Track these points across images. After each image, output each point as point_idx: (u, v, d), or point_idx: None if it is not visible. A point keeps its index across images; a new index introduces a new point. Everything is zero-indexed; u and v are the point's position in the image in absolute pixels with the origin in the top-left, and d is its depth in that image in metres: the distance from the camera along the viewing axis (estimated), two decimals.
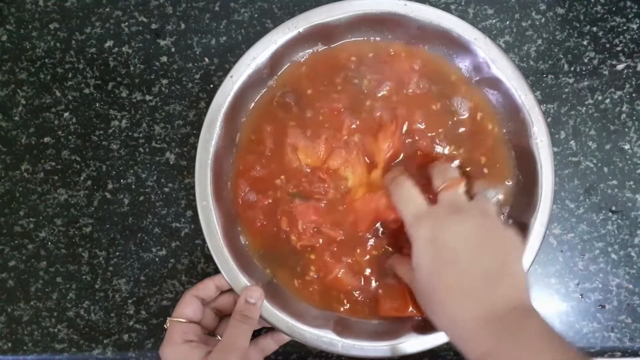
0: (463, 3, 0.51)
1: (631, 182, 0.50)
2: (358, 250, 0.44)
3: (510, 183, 0.44)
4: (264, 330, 0.47)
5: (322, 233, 0.44)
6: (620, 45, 0.51)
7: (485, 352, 0.34)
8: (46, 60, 0.52)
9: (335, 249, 0.44)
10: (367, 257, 0.44)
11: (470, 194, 0.39)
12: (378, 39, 0.46)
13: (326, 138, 0.44)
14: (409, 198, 0.38)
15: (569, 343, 0.34)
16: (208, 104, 0.44)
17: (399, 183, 0.39)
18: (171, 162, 0.51)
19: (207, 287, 0.43)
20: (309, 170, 0.44)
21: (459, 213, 0.37)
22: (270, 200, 0.45)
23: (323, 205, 0.44)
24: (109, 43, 0.52)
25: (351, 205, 0.44)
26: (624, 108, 0.50)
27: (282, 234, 0.44)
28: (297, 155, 0.44)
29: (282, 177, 0.44)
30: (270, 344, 0.46)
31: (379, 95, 0.45)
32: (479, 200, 0.39)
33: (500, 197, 0.44)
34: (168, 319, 0.42)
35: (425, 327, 0.42)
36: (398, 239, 0.43)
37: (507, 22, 0.51)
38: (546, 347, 0.33)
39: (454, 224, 0.36)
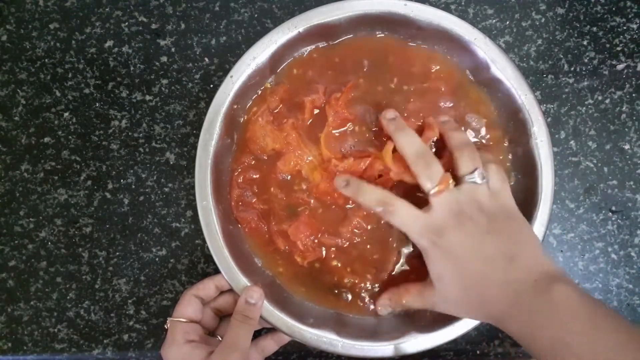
0: (463, 3, 0.51)
1: (631, 182, 0.50)
2: (368, 246, 0.44)
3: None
4: (264, 330, 0.47)
5: (323, 243, 0.44)
6: (620, 45, 0.51)
7: (520, 329, 0.35)
8: (46, 60, 0.52)
9: (341, 254, 0.44)
10: (376, 255, 0.44)
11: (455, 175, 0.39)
12: (379, 34, 0.46)
13: (292, 122, 0.44)
14: (407, 217, 0.38)
15: (600, 306, 0.34)
16: (208, 104, 0.44)
17: (392, 204, 0.38)
18: (171, 162, 0.51)
19: (207, 287, 0.43)
20: (289, 178, 0.44)
21: (457, 215, 0.37)
22: (264, 207, 0.45)
23: (308, 212, 0.44)
24: (109, 43, 0.52)
25: (318, 191, 0.43)
26: (624, 108, 0.50)
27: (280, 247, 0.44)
28: (265, 140, 0.44)
29: (273, 188, 0.45)
30: (270, 344, 0.46)
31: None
32: (468, 186, 0.38)
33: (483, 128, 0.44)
34: (169, 319, 0.42)
35: (426, 326, 0.42)
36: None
37: (507, 22, 0.51)
38: (570, 317, 0.33)
39: (458, 227, 0.37)
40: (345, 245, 0.44)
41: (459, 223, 0.37)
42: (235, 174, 0.45)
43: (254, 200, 0.45)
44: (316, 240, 0.44)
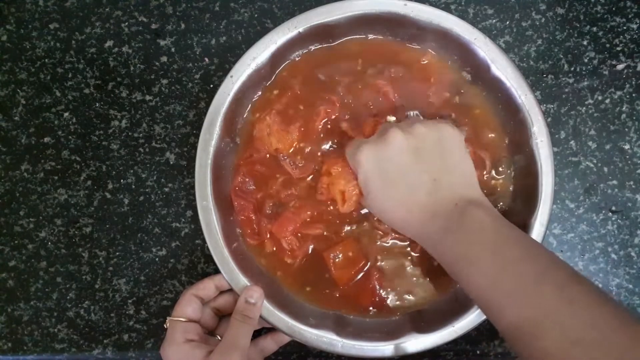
0: (463, 3, 0.51)
1: (631, 182, 0.50)
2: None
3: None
4: (264, 330, 0.47)
5: (306, 236, 0.44)
6: (620, 45, 0.51)
7: (433, 246, 0.38)
8: (46, 60, 0.52)
9: (327, 244, 0.44)
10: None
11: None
12: (380, 37, 0.46)
13: (300, 126, 0.44)
14: (351, 145, 0.41)
15: (508, 227, 0.36)
16: (208, 104, 0.43)
17: (351, 144, 0.41)
18: (171, 162, 0.51)
19: (207, 287, 0.43)
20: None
21: (389, 135, 0.38)
22: (259, 198, 0.45)
23: (292, 205, 0.44)
24: (109, 43, 0.52)
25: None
26: (624, 108, 0.50)
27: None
28: (270, 139, 0.44)
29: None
30: (270, 344, 0.46)
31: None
32: (406, 121, 0.41)
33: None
34: (168, 318, 0.42)
35: (426, 326, 0.42)
36: None
37: (507, 22, 0.51)
38: (478, 237, 0.35)
39: (389, 145, 0.38)
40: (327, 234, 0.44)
41: (390, 142, 0.38)
42: (242, 162, 0.45)
43: (252, 189, 0.45)
44: (299, 234, 0.44)
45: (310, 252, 0.45)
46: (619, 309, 0.31)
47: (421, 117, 0.42)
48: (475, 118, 0.45)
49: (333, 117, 0.45)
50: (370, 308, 0.44)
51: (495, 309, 0.34)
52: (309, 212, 0.44)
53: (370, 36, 0.46)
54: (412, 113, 0.45)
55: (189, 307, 0.42)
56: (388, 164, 0.38)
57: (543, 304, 0.32)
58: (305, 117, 0.45)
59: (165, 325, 0.42)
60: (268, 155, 0.45)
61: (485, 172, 0.44)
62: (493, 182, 0.45)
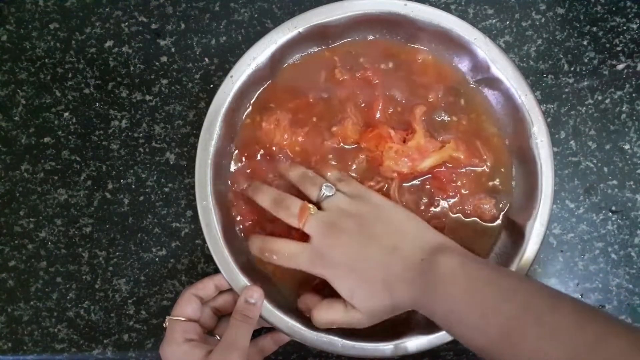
0: (463, 3, 0.51)
1: (631, 182, 0.50)
2: None
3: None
4: (264, 330, 0.47)
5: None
6: (620, 45, 0.51)
7: (424, 309, 0.37)
8: (46, 60, 0.52)
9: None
10: None
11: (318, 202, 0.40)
12: (377, 36, 0.46)
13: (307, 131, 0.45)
14: (291, 254, 0.40)
15: (478, 268, 0.35)
16: (208, 104, 0.43)
17: (270, 248, 0.40)
18: (171, 162, 0.51)
19: (207, 287, 0.43)
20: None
21: (331, 232, 0.38)
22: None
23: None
24: (109, 43, 0.52)
25: None
26: (624, 108, 0.50)
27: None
28: (274, 132, 0.44)
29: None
30: (269, 344, 0.46)
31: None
32: (326, 203, 0.40)
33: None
34: (167, 317, 0.42)
35: (426, 327, 0.42)
36: None
37: (507, 22, 0.51)
38: (452, 287, 0.34)
39: (336, 242, 0.38)
40: None
41: (336, 239, 0.38)
42: (245, 154, 0.45)
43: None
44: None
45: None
46: (602, 324, 0.31)
47: (330, 192, 0.40)
48: (475, 118, 0.45)
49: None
50: None
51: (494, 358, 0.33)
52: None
53: (370, 36, 0.46)
54: (324, 187, 0.41)
55: (189, 306, 0.42)
56: (347, 256, 0.38)
57: (529, 347, 0.31)
58: (314, 129, 0.45)
59: (164, 325, 0.42)
60: (268, 157, 0.45)
61: (485, 168, 0.44)
62: (493, 183, 0.45)
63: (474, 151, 0.44)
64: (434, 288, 0.35)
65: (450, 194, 0.44)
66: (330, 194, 0.40)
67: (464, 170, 0.44)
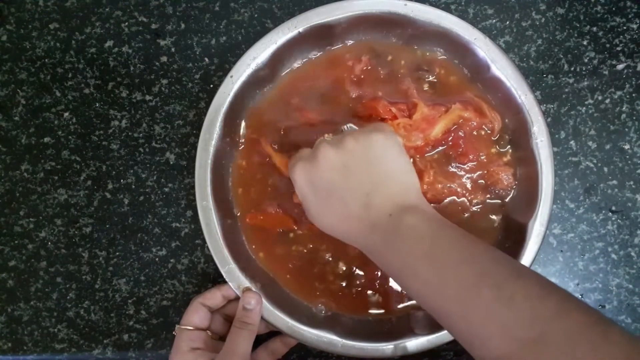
0: (463, 3, 0.51)
1: (631, 182, 0.50)
2: None
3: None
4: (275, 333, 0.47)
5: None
6: (620, 45, 0.51)
7: (377, 259, 0.37)
8: (46, 60, 0.52)
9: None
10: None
11: None
12: (377, 36, 0.46)
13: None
14: (291, 159, 0.40)
15: (445, 228, 0.35)
16: (208, 104, 0.44)
17: (292, 158, 0.41)
18: (171, 162, 0.51)
19: (214, 297, 0.44)
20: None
21: (317, 151, 0.38)
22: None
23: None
24: (109, 43, 0.52)
25: None
26: (624, 108, 0.50)
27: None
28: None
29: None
30: (280, 347, 0.46)
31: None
32: (338, 135, 0.40)
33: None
34: (176, 326, 0.43)
35: (426, 327, 0.42)
36: None
37: (507, 22, 0.51)
38: (415, 246, 0.34)
39: (317, 162, 0.38)
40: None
41: (320, 160, 0.38)
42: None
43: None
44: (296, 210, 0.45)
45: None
46: (564, 299, 0.30)
47: (356, 128, 0.41)
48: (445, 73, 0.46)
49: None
50: (374, 311, 0.44)
51: (444, 318, 0.33)
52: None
53: (370, 36, 0.46)
54: (346, 127, 0.44)
55: (196, 315, 0.42)
56: (319, 181, 0.37)
57: (484, 306, 0.31)
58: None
59: (173, 333, 0.43)
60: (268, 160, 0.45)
61: (493, 135, 0.45)
62: (495, 169, 0.45)
63: (483, 113, 0.44)
64: (394, 241, 0.35)
65: (470, 157, 0.44)
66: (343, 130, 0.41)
67: (477, 133, 0.45)
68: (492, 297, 0.31)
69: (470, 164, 0.44)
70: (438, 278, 0.33)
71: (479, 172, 0.45)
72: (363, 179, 0.37)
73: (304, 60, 0.46)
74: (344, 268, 0.45)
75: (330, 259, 0.45)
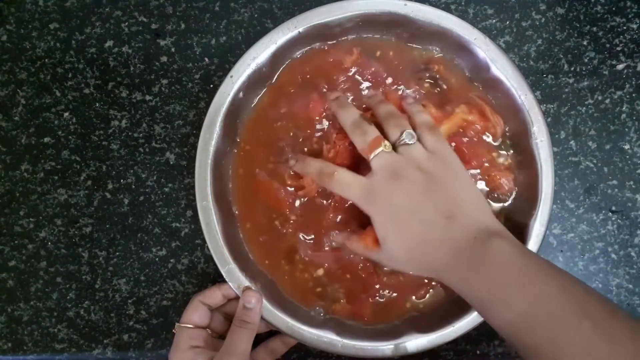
0: (463, 3, 0.51)
1: (631, 182, 0.50)
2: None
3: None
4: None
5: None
6: (620, 45, 0.51)
7: (457, 283, 0.36)
8: (46, 60, 0.52)
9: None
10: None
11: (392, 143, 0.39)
12: (377, 36, 0.46)
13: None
14: (347, 183, 0.39)
15: (534, 259, 0.35)
16: (208, 104, 0.43)
17: (331, 173, 0.40)
18: (171, 162, 0.51)
19: (214, 295, 0.43)
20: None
21: (395, 176, 0.37)
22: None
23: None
24: (109, 43, 0.52)
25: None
26: (624, 108, 0.50)
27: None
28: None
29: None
30: (279, 346, 0.46)
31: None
32: (402, 149, 0.39)
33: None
34: (176, 324, 0.42)
35: (426, 326, 0.42)
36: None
37: (507, 22, 0.51)
38: (505, 273, 0.34)
39: (397, 188, 0.37)
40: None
41: (397, 185, 0.37)
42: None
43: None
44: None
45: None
46: None
47: (410, 140, 0.39)
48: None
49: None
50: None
51: (531, 349, 0.32)
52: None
53: (370, 36, 0.46)
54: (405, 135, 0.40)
55: (196, 314, 0.42)
56: (400, 203, 0.37)
57: (584, 339, 0.30)
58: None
59: (173, 331, 0.43)
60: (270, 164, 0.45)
61: (495, 140, 0.45)
62: (495, 174, 0.45)
63: (486, 116, 0.44)
64: (482, 268, 0.34)
65: (473, 163, 0.44)
66: (410, 143, 0.39)
67: (478, 138, 0.45)
68: (592, 330, 0.30)
69: (473, 171, 0.44)
70: (532, 307, 0.32)
71: (480, 178, 0.45)
72: (444, 200, 0.37)
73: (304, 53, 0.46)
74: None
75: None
